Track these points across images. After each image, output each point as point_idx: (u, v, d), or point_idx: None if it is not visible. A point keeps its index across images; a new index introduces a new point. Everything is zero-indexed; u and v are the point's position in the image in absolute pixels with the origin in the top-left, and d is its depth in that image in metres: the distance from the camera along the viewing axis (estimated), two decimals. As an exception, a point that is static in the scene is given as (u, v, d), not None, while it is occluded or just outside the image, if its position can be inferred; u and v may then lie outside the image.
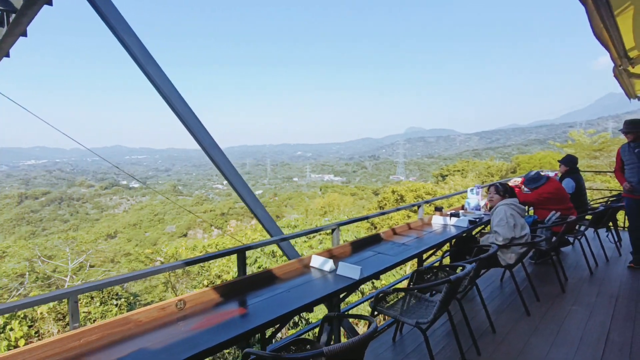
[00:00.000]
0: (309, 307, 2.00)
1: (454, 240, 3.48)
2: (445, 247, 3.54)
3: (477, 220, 3.72)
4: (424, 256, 3.24)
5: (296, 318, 8.12)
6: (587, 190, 5.15)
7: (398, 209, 4.47)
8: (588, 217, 4.83)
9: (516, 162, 35.13)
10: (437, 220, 3.76)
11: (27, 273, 15.48)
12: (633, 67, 3.13)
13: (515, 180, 4.93)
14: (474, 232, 3.83)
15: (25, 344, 8.41)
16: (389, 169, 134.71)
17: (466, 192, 4.46)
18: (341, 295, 2.31)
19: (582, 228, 4.61)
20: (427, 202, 4.66)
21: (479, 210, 4.22)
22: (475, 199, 4.23)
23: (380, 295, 2.40)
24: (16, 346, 8.03)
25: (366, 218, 4.01)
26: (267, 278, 2.45)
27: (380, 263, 2.57)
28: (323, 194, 68.58)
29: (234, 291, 2.22)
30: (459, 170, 49.60)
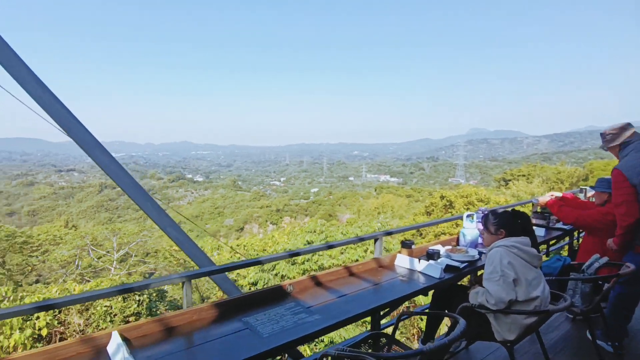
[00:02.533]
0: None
1: (430, 292, 2.51)
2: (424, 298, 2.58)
3: (464, 266, 2.53)
4: (383, 315, 2.34)
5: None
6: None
7: (422, 225, 3.59)
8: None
9: (589, 169, 31.30)
10: (402, 262, 2.61)
11: (76, 261, 16.52)
12: None
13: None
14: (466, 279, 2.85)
15: (48, 333, 8.72)
16: (448, 171, 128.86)
17: (462, 217, 3.14)
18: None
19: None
20: (388, 233, 3.25)
21: (478, 247, 2.95)
22: (474, 231, 2.97)
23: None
24: (40, 336, 8.33)
25: (389, 233, 3.35)
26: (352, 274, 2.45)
27: (309, 325, 1.79)
28: (378, 194, 67.35)
29: (330, 281, 2.31)
30: (524, 175, 45.78)
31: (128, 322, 9.18)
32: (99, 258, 17.04)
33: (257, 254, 11.44)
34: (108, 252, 17.16)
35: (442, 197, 21.81)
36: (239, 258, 13.16)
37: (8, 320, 7.96)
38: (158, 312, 10.24)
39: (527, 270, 2.10)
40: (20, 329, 7.96)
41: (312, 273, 2.80)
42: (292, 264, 10.50)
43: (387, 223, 27.27)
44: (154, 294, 11.05)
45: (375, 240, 2.90)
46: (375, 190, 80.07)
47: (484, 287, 2.14)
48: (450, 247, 2.85)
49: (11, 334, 7.85)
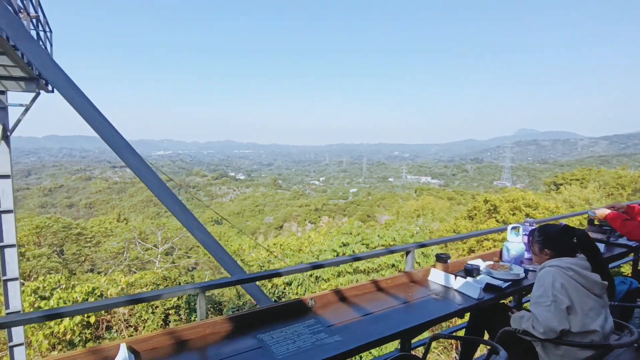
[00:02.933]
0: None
1: (467, 314, 2.20)
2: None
3: (507, 285, 2.18)
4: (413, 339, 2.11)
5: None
6: None
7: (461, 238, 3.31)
8: None
9: (656, 174, 28.70)
10: (437, 278, 2.32)
11: (125, 252, 17.41)
12: None
13: None
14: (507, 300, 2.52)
15: (96, 320, 9.19)
16: (493, 174, 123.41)
17: (507, 229, 2.74)
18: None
19: None
20: (421, 245, 2.86)
21: (524, 264, 2.58)
22: (519, 245, 2.60)
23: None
24: (88, 323, 8.80)
25: (422, 246, 3.03)
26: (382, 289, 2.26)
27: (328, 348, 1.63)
28: (418, 196, 65.84)
29: (355, 296, 2.13)
30: (577, 179, 42.83)
31: (168, 314, 9.47)
32: (145, 251, 17.87)
33: (293, 254, 11.45)
34: (155, 245, 17.96)
35: (485, 201, 20.77)
36: (275, 257, 13.25)
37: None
38: (195, 305, 10.52)
39: (584, 298, 1.79)
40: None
41: (336, 287, 2.62)
42: (327, 266, 10.37)
43: (427, 226, 26.47)
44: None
45: (407, 253, 2.65)
46: (416, 191, 78.35)
47: (530, 312, 1.88)
48: (491, 262, 2.53)
49: (61, 320, 8.34)
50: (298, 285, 9.82)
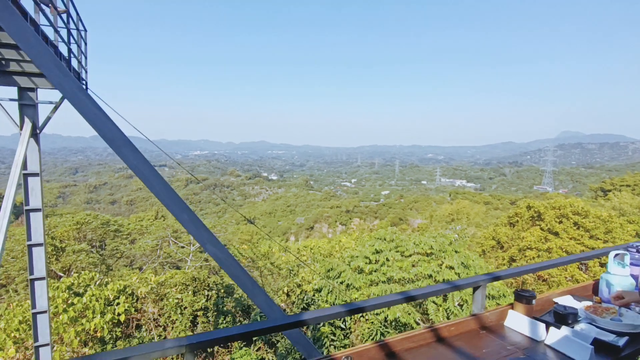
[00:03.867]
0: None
1: None
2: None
3: (624, 341, 1.55)
4: None
5: None
6: None
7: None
8: None
9: None
10: (517, 324, 1.72)
11: (159, 250, 17.63)
12: None
13: None
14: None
15: (126, 318, 9.19)
16: (534, 178, 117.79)
17: (609, 253, 2.04)
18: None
19: None
20: (495, 278, 2.03)
21: (632, 305, 1.81)
22: (627, 280, 1.89)
23: None
24: (119, 321, 8.79)
25: (496, 278, 2.11)
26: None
27: None
28: (452, 200, 63.89)
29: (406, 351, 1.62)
30: (628, 185, 40.01)
31: (196, 315, 9.34)
32: (178, 249, 18.04)
33: (323, 259, 11.02)
34: (189, 244, 18.10)
35: (528, 207, 19.46)
36: (306, 260, 12.88)
37: (91, 304, 8.45)
38: (225, 308, 10.31)
39: None
40: (102, 313, 8.42)
41: (381, 337, 2.07)
42: (359, 273, 9.86)
43: (463, 231, 25.30)
44: (222, 290, 11.16)
45: (475, 289, 1.97)
46: (450, 195, 76.22)
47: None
48: (589, 302, 1.86)
49: (93, 317, 8.34)
50: (328, 293, 9.37)
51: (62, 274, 14.96)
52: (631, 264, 2.01)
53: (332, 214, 74.09)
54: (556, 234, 16.91)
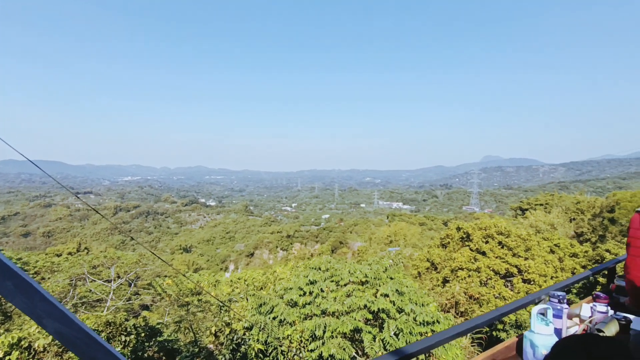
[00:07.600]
0: None
1: None
2: None
3: None
4: None
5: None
6: None
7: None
8: None
9: (614, 200, 29.52)
10: None
11: (71, 291, 15.59)
12: None
13: None
14: None
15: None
16: (462, 199, 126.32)
17: (531, 310, 1.75)
18: None
19: None
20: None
21: None
22: (550, 340, 1.62)
23: None
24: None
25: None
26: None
27: None
28: (390, 222, 65.74)
29: None
30: (541, 204, 43.98)
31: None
32: (97, 288, 16.14)
33: (254, 293, 10.36)
34: (107, 281, 16.28)
35: (458, 229, 20.38)
36: (238, 294, 12.07)
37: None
38: (145, 354, 9.12)
39: None
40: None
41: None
42: (292, 306, 9.35)
43: (399, 254, 25.83)
44: (143, 334, 9.88)
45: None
46: (388, 217, 78.52)
47: None
48: None
49: None
50: (259, 331, 8.73)
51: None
52: (554, 315, 1.82)
53: (273, 240, 72.65)
54: (484, 253, 17.78)
